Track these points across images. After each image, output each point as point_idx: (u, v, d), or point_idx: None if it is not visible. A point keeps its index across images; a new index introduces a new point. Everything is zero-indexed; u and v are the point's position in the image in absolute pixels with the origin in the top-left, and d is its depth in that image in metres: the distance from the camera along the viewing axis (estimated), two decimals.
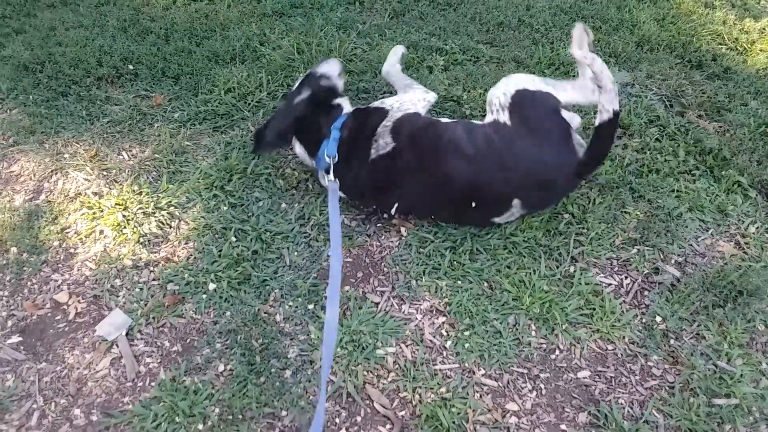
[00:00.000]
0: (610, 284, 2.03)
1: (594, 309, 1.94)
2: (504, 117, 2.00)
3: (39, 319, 1.97)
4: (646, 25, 3.11)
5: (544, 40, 3.03)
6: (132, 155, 2.47)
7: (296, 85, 2.27)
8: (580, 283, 2.00)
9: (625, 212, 2.21)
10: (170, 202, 2.26)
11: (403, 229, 2.18)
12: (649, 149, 2.45)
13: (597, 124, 1.85)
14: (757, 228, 2.18)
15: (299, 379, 1.79)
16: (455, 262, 2.06)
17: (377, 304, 1.98)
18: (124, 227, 2.18)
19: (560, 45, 3.00)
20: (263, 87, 2.73)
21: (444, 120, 2.12)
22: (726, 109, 2.64)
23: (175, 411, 1.71)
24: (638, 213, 2.19)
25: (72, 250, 2.15)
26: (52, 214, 2.25)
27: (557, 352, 1.87)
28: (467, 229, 2.13)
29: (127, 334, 1.91)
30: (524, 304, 1.94)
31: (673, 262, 2.08)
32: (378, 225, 2.20)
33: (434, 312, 1.97)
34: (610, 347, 1.88)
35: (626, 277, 2.05)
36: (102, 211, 2.24)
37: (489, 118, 2.06)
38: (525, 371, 1.82)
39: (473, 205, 1.97)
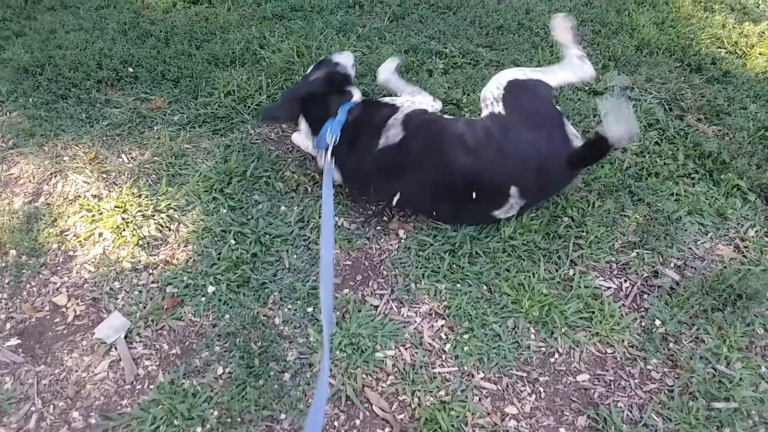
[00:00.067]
0: (609, 287, 2.03)
1: (593, 312, 1.94)
2: (498, 108, 2.06)
3: (38, 322, 1.96)
4: (645, 28, 3.12)
5: (544, 44, 3.04)
6: (131, 158, 2.47)
7: (310, 69, 2.32)
8: (580, 287, 2.00)
9: (625, 216, 2.21)
10: (169, 204, 2.26)
11: (402, 232, 2.18)
12: (648, 153, 2.45)
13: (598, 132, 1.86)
14: (756, 232, 2.18)
15: (298, 382, 1.79)
16: (454, 265, 2.06)
17: (376, 307, 1.98)
18: (124, 230, 2.18)
19: (560, 48, 2.99)
20: (263, 90, 2.74)
21: (447, 117, 2.20)
22: (725, 113, 2.64)
23: (174, 414, 1.71)
24: (637, 216, 2.19)
25: (71, 253, 2.15)
26: (51, 216, 2.25)
27: (556, 355, 1.87)
28: (466, 232, 2.13)
29: (125, 337, 1.90)
30: (523, 308, 1.94)
31: (672, 265, 2.08)
32: (377, 228, 2.20)
33: (433, 315, 1.96)
34: (609, 351, 1.88)
35: (625, 281, 2.05)
36: (101, 213, 2.24)
37: (485, 113, 2.11)
38: (524, 374, 1.82)
39: (473, 196, 1.97)
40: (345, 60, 2.32)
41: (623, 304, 1.98)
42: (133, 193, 2.30)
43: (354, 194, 2.28)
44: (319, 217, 2.20)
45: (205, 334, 1.91)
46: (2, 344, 1.90)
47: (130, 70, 2.88)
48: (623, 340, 1.89)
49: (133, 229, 2.18)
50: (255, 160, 2.41)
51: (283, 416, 1.72)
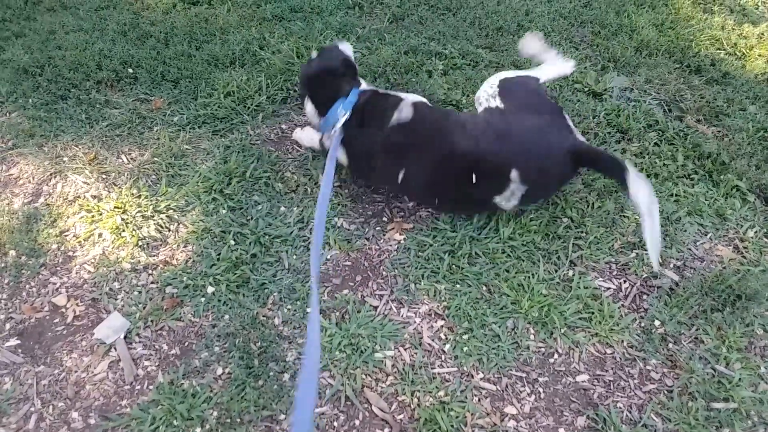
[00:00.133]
0: (608, 288, 2.03)
1: (593, 313, 1.94)
2: (495, 102, 2.12)
3: (37, 322, 1.96)
4: (645, 30, 3.12)
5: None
6: (131, 158, 2.47)
7: (314, 54, 2.31)
8: (579, 287, 2.00)
9: (624, 216, 2.21)
10: (169, 205, 2.26)
11: (401, 233, 2.18)
12: (648, 153, 2.45)
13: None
14: (756, 232, 2.19)
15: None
16: (454, 266, 2.06)
17: (376, 307, 1.98)
18: (123, 230, 2.18)
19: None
20: (262, 91, 2.74)
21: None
22: (724, 114, 2.65)
23: (173, 414, 1.71)
24: (637, 217, 2.19)
25: (70, 253, 2.14)
26: (50, 217, 2.25)
27: (556, 355, 1.87)
28: (466, 233, 2.13)
29: (125, 338, 1.90)
30: (523, 308, 1.94)
31: (671, 266, 2.09)
32: (377, 229, 2.21)
33: (433, 315, 1.96)
34: (608, 351, 1.88)
35: (625, 281, 2.05)
36: (101, 214, 2.24)
37: (480, 110, 2.17)
38: (523, 375, 1.82)
39: (474, 179, 1.98)
40: (348, 49, 2.33)
41: (623, 305, 1.99)
42: (132, 194, 2.30)
43: (357, 176, 2.28)
44: None
45: (204, 334, 1.91)
46: (2, 345, 1.90)
47: (130, 70, 2.88)
48: (623, 341, 1.89)
49: (133, 229, 2.18)
50: (254, 160, 2.41)
51: (282, 417, 1.72)
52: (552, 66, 2.35)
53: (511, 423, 1.72)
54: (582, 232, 2.16)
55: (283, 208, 2.25)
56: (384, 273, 2.08)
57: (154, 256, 2.12)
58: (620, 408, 1.75)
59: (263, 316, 1.94)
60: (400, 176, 2.07)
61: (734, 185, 2.31)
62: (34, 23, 3.26)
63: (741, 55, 3.03)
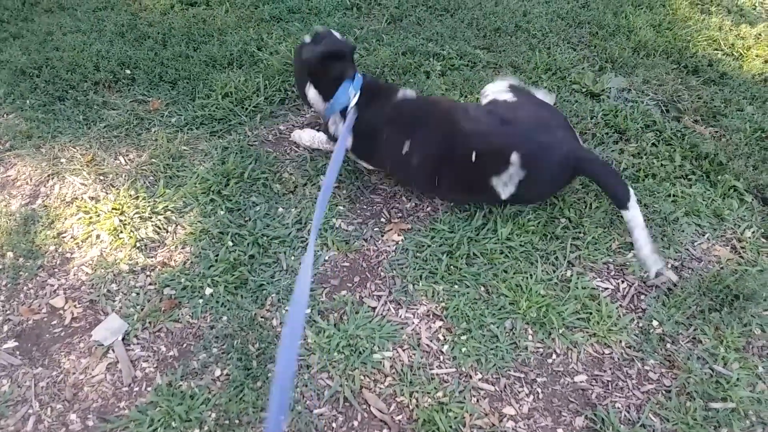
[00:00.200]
0: (606, 288, 2.03)
1: (590, 313, 1.94)
2: (505, 96, 2.18)
3: (35, 324, 1.96)
4: (642, 30, 3.13)
5: (541, 46, 3.05)
6: (129, 160, 2.47)
7: (308, 40, 2.25)
8: (577, 288, 2.00)
9: (622, 216, 2.21)
10: (167, 206, 2.26)
11: (399, 234, 2.18)
12: (645, 154, 2.45)
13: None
14: (753, 232, 2.19)
15: (296, 384, 1.79)
16: (452, 267, 2.06)
17: (374, 308, 1.98)
18: (121, 232, 2.18)
19: (557, 50, 3.01)
20: (260, 92, 2.74)
21: None
22: (722, 114, 2.65)
23: (172, 416, 1.70)
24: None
25: (68, 255, 2.14)
26: (48, 218, 2.24)
27: (554, 356, 1.87)
28: (464, 233, 2.13)
29: (123, 339, 1.90)
30: (521, 309, 1.94)
31: (669, 266, 2.09)
32: (375, 230, 2.21)
33: (431, 316, 1.96)
34: (606, 351, 1.88)
35: (623, 282, 2.05)
36: (98, 215, 2.24)
37: (485, 102, 2.24)
38: (522, 375, 1.82)
39: (474, 158, 1.99)
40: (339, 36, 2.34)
41: (620, 305, 1.99)
42: (130, 195, 2.30)
43: (359, 155, 2.27)
44: None
45: (202, 335, 1.91)
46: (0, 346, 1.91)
47: (128, 71, 2.88)
48: (621, 341, 1.89)
49: (131, 231, 2.18)
50: (253, 161, 2.41)
51: (281, 418, 1.72)
52: (546, 96, 2.48)
53: (510, 423, 1.72)
54: (580, 232, 2.16)
55: (281, 209, 2.25)
56: (382, 274, 2.08)
57: (152, 257, 2.12)
58: (618, 408, 1.75)
59: (261, 318, 1.94)
60: (405, 147, 2.09)
61: (732, 185, 2.31)
62: (31, 24, 3.25)
63: (738, 55, 3.03)
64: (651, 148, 2.48)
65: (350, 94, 2.13)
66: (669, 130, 2.55)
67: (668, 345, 1.88)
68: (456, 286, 2.01)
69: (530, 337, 1.90)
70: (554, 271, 2.06)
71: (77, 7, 3.40)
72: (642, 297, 2.01)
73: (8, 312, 1.99)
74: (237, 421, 1.71)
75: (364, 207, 2.29)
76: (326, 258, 2.12)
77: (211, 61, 2.93)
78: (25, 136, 2.57)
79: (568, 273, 2.06)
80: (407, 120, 2.12)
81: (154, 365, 1.85)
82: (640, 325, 1.93)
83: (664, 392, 1.78)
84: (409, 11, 3.31)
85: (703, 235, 2.19)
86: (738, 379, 1.78)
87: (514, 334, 1.90)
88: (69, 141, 2.55)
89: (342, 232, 2.20)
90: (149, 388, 1.79)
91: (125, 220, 2.21)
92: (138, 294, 2.01)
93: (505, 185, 2.02)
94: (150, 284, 2.05)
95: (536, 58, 2.92)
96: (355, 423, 1.73)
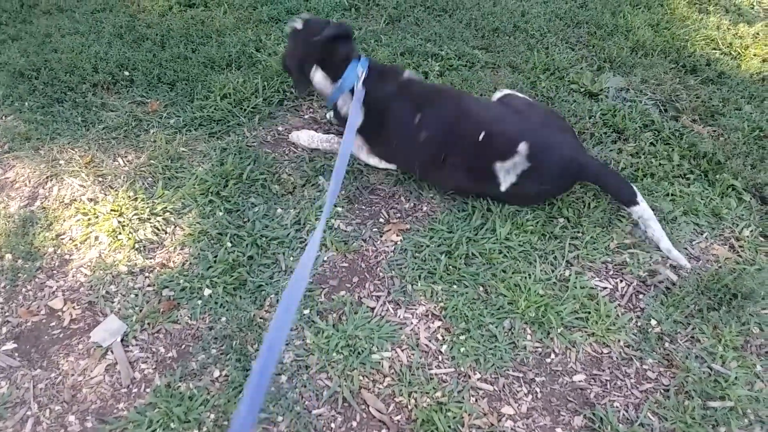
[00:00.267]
0: (605, 288, 2.04)
1: (589, 313, 1.94)
2: (518, 94, 2.34)
3: (34, 326, 1.96)
4: (640, 30, 3.13)
5: (539, 46, 3.05)
6: (127, 161, 2.47)
7: (300, 25, 2.28)
8: (575, 287, 2.00)
9: (620, 216, 2.21)
10: (166, 207, 2.26)
11: (398, 234, 2.18)
12: (643, 153, 2.46)
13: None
14: (751, 231, 2.19)
15: (295, 385, 1.79)
16: (450, 267, 2.06)
17: (373, 308, 1.98)
18: (120, 233, 2.18)
19: (555, 50, 3.01)
20: (259, 93, 2.74)
21: None
22: (720, 114, 2.66)
23: (171, 417, 1.70)
24: (633, 217, 2.20)
25: (67, 257, 2.14)
26: (47, 220, 2.24)
27: (552, 355, 1.87)
28: (462, 233, 2.13)
29: (122, 341, 1.90)
30: (519, 308, 1.94)
31: (668, 265, 2.09)
32: (373, 230, 2.21)
33: (430, 316, 1.97)
34: (605, 351, 1.88)
35: (621, 281, 2.06)
36: (97, 217, 2.24)
37: (497, 96, 2.38)
38: (520, 375, 1.82)
39: (480, 138, 2.05)
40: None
41: (619, 305, 1.99)
42: (129, 197, 2.30)
43: (368, 133, 2.26)
44: (316, 220, 2.20)
45: (201, 337, 1.91)
46: None
47: (126, 73, 2.88)
48: (619, 340, 1.89)
49: (129, 232, 2.18)
50: (251, 162, 2.41)
51: (280, 419, 1.72)
52: None
53: (509, 423, 1.72)
54: (578, 232, 2.17)
55: (279, 210, 2.26)
56: (381, 274, 2.08)
57: (150, 258, 2.12)
58: (617, 407, 1.75)
59: (260, 318, 1.94)
60: (417, 118, 2.12)
61: (730, 185, 2.32)
62: (30, 26, 3.26)
63: (736, 54, 3.04)
64: (649, 147, 2.48)
65: (358, 72, 2.16)
66: (667, 129, 2.55)
67: (667, 344, 1.88)
68: (455, 286, 2.02)
69: (529, 337, 1.90)
70: (553, 271, 2.06)
71: (75, 9, 3.40)
72: (640, 296, 2.01)
73: (7, 314, 1.99)
74: None
75: (363, 207, 2.29)
76: (325, 258, 2.12)
77: (210, 62, 2.93)
78: (24, 138, 2.57)
79: (567, 272, 2.06)
80: (417, 96, 2.17)
81: (153, 366, 1.85)
82: (639, 324, 1.93)
83: (662, 391, 1.78)
84: (408, 12, 3.31)
85: (702, 234, 2.20)
86: (736, 377, 1.78)
87: (512, 333, 1.90)
88: (67, 143, 2.55)
89: (341, 233, 2.20)
90: (148, 390, 1.79)
91: (124, 222, 2.21)
92: (137, 295, 2.02)
93: (507, 173, 2.05)
94: (149, 285, 2.05)
95: (534, 58, 2.92)
96: (354, 423, 1.73)
